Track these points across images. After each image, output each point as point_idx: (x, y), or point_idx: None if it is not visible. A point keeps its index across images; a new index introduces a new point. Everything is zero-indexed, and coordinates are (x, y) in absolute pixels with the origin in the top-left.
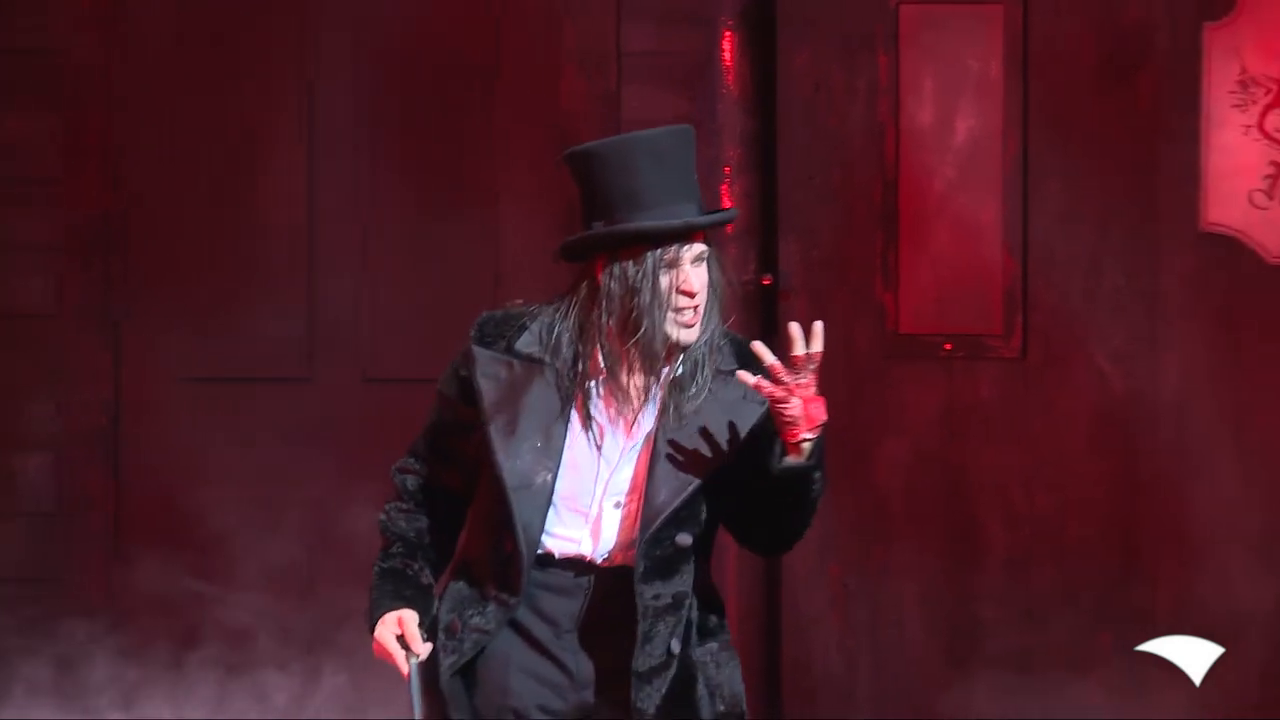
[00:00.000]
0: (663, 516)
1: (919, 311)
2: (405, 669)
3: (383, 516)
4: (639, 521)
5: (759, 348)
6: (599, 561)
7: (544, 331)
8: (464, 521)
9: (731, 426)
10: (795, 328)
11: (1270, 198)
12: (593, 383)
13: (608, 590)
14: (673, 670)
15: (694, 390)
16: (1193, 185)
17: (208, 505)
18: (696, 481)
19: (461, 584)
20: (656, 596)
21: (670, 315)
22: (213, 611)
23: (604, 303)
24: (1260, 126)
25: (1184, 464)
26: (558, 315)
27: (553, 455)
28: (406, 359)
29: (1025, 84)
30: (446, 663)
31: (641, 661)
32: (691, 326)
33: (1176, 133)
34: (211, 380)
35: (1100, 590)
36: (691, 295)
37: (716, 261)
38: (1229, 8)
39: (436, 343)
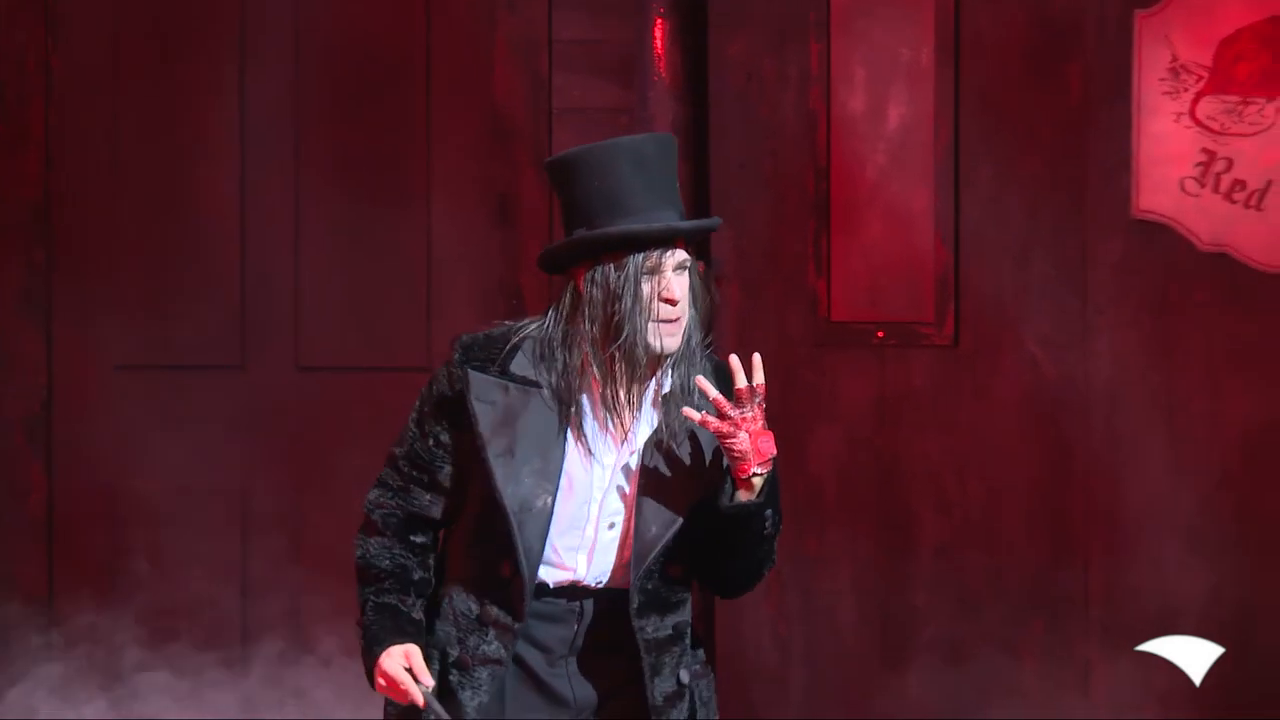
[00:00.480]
0: (654, 552)
1: (851, 299)
2: (420, 698)
3: (361, 551)
4: (631, 552)
5: (703, 382)
6: (593, 585)
7: (537, 352)
8: (437, 548)
9: (716, 453)
10: (735, 360)
11: (1202, 185)
12: (584, 396)
13: (601, 614)
14: (686, 700)
15: (675, 428)
16: (1124, 173)
17: (141, 492)
18: (683, 514)
19: (451, 611)
20: (656, 629)
21: (652, 323)
22: (146, 598)
23: (586, 310)
24: (1191, 114)
25: (1116, 451)
26: (547, 332)
27: (551, 477)
28: (339, 347)
29: (957, 72)
30: (473, 703)
31: (657, 694)
32: (674, 335)
33: (1108, 120)
34: (144, 368)
35: (1033, 576)
36: (674, 303)
37: (699, 272)
38: None
39: (369, 331)
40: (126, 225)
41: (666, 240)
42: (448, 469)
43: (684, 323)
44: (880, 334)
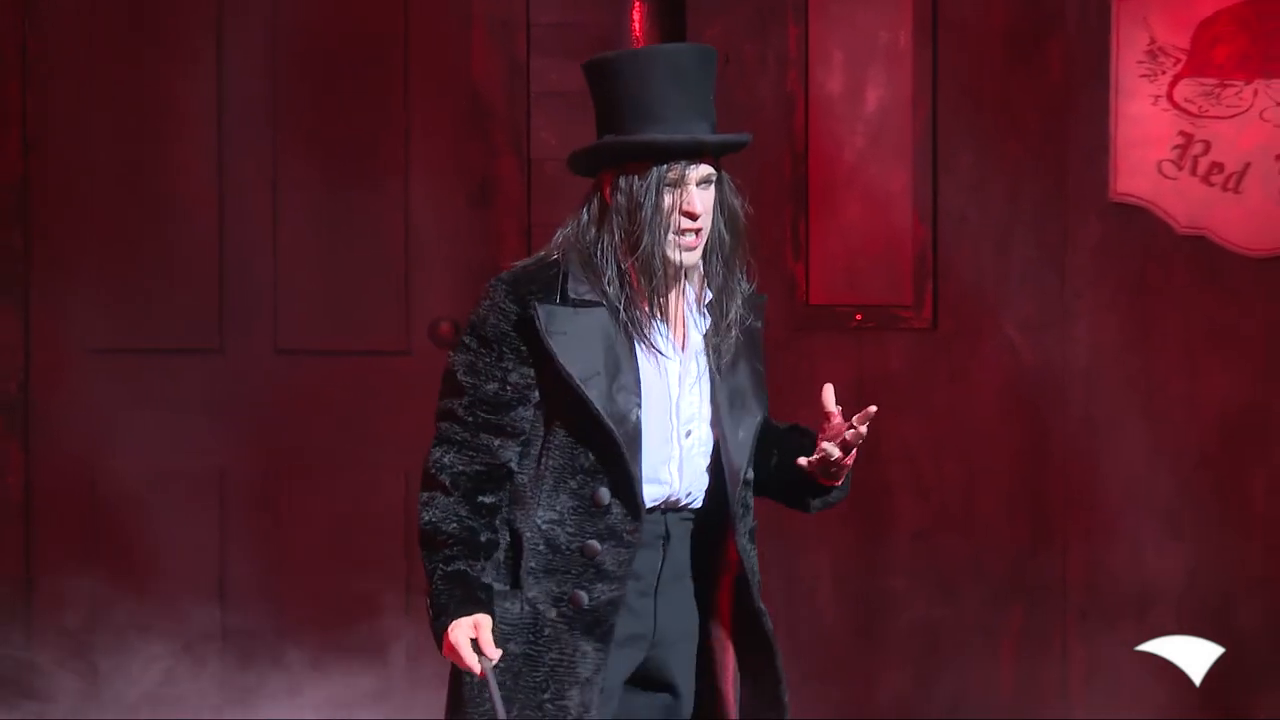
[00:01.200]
0: (747, 458)
1: (829, 282)
2: (479, 669)
3: (428, 515)
4: (725, 466)
5: (828, 398)
6: (682, 503)
7: (588, 270)
8: (505, 499)
9: (757, 349)
10: (830, 397)
11: (1179, 167)
12: (638, 308)
13: (683, 539)
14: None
15: (731, 317)
16: (1102, 155)
17: (119, 475)
18: (760, 415)
19: (549, 554)
20: (745, 537)
21: (671, 235)
22: (122, 581)
23: (612, 219)
24: (1169, 96)
25: (1094, 434)
26: (585, 245)
27: (634, 390)
28: (318, 330)
29: (935, 54)
30: (597, 633)
31: (756, 597)
32: (693, 249)
33: (1086, 103)
34: (122, 351)
35: (1011, 560)
36: (694, 217)
37: (731, 186)
38: None
39: (348, 314)
40: (103, 208)
41: (691, 152)
42: (520, 410)
43: (704, 237)
44: (859, 317)
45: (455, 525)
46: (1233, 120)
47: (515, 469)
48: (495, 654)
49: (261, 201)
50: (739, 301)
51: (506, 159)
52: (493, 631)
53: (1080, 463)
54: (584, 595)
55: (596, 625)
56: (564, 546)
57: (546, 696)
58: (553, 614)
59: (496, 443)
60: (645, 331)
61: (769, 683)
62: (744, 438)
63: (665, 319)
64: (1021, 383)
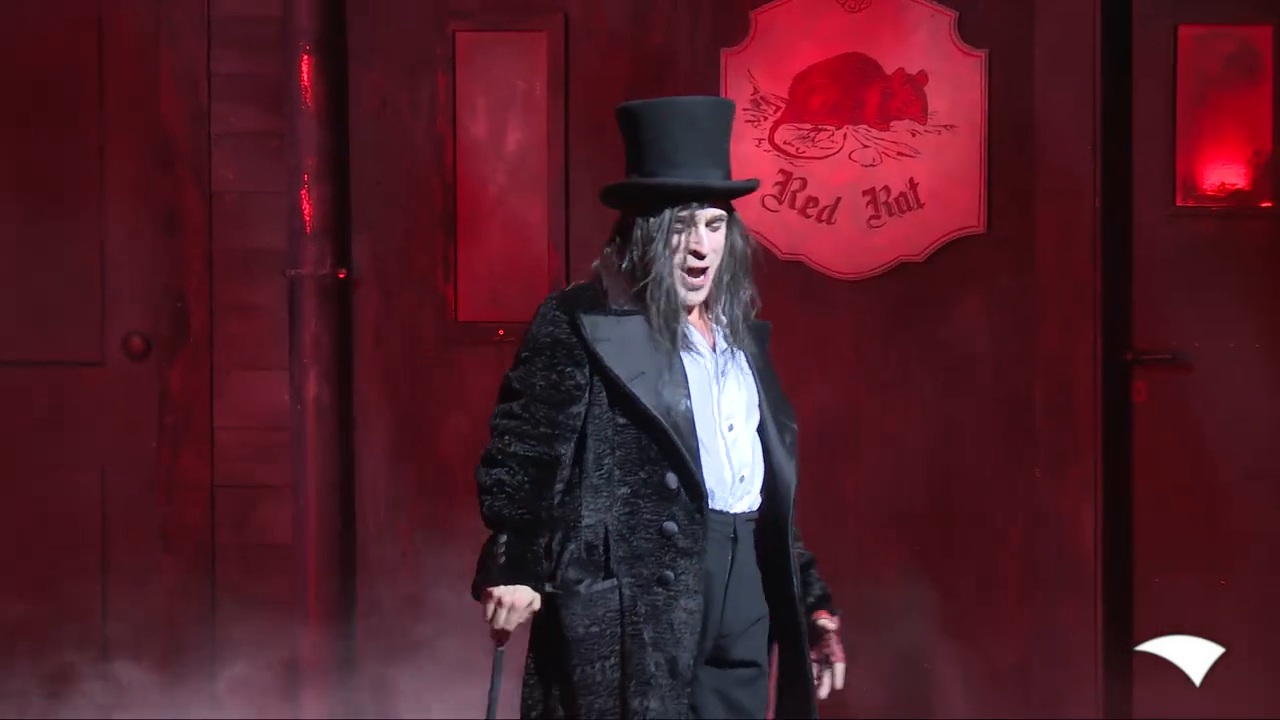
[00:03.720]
0: (793, 466)
1: (475, 301)
2: (507, 636)
3: (491, 500)
4: (775, 468)
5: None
6: (730, 504)
7: (624, 284)
8: (560, 492)
9: (774, 375)
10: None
11: (780, 201)
12: (669, 314)
13: (748, 540)
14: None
15: (742, 328)
16: None
17: None
18: (795, 427)
19: (624, 543)
20: (792, 537)
21: (679, 271)
22: None
23: (633, 249)
24: (771, 139)
25: None
26: (621, 264)
27: (681, 384)
28: (20, 342)
29: (566, 101)
30: (689, 606)
31: (798, 584)
32: (698, 288)
33: None
34: None
35: None
36: (700, 256)
37: (741, 229)
38: (743, 36)
39: (48, 328)
40: None
41: (699, 195)
42: (573, 408)
43: (709, 276)
44: (501, 332)
45: (520, 507)
46: (825, 160)
47: (567, 464)
48: (511, 629)
49: None
50: (742, 329)
51: (190, 191)
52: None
53: None
54: (670, 574)
55: (686, 596)
56: (643, 532)
57: (654, 669)
58: (645, 595)
59: (553, 434)
60: (682, 332)
61: (799, 675)
62: (790, 442)
63: (699, 321)
64: None
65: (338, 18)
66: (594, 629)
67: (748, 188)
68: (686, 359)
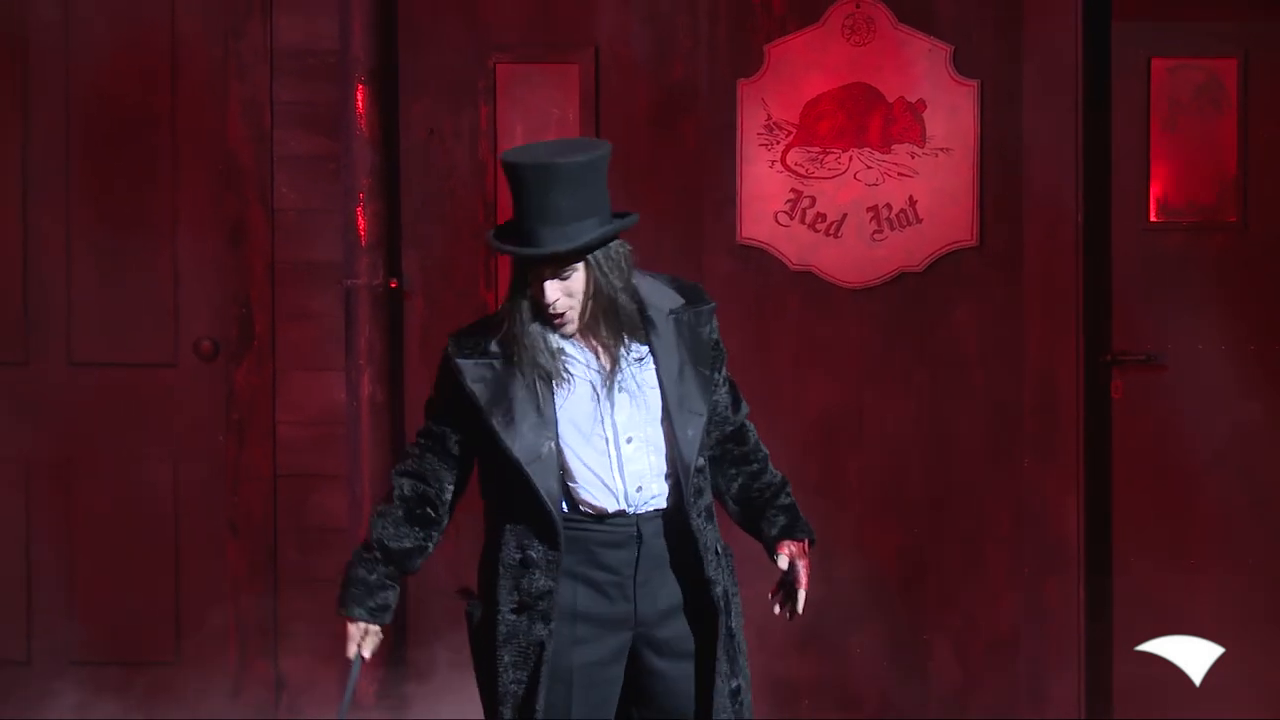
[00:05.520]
0: (695, 451)
1: None
2: (351, 658)
3: (372, 519)
4: (678, 460)
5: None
6: (634, 506)
7: (507, 328)
8: (447, 514)
9: (703, 356)
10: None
11: (791, 217)
12: (563, 344)
13: (656, 534)
14: (722, 571)
15: (620, 363)
16: (730, 207)
17: None
18: (705, 413)
19: (502, 567)
20: (703, 517)
21: (540, 318)
22: None
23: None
24: (783, 161)
25: None
26: (510, 308)
27: (549, 425)
28: (103, 346)
29: (597, 127)
30: (541, 632)
31: (709, 568)
32: (562, 325)
33: (717, 165)
34: None
35: None
36: (544, 306)
37: (607, 265)
38: (757, 68)
39: (127, 333)
40: None
41: (533, 258)
42: (455, 439)
43: (571, 315)
44: None
45: (388, 530)
46: (833, 180)
47: (450, 487)
48: (366, 655)
49: (57, 245)
50: (624, 354)
51: (255, 209)
52: (371, 639)
53: None
54: (526, 599)
55: (538, 612)
56: (510, 561)
57: (512, 678)
58: (510, 615)
59: (437, 462)
60: (568, 367)
61: (707, 651)
62: (693, 435)
63: (591, 345)
64: None
65: (390, 51)
66: (480, 644)
67: (577, 249)
68: (568, 389)
